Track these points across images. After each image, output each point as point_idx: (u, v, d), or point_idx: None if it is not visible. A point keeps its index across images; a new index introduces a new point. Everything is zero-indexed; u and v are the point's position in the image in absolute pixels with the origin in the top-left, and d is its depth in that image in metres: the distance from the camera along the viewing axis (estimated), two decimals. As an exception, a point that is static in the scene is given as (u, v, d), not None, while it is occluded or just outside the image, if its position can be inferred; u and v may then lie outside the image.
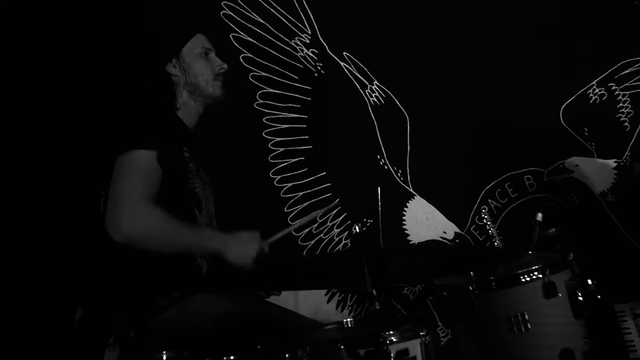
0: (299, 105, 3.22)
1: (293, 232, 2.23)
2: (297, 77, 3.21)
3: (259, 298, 2.16)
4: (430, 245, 2.62)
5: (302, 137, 3.21)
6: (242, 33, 3.15)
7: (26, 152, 2.69)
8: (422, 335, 1.99)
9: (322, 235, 3.21)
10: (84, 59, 2.80)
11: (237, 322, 1.87)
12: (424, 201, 3.29)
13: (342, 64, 3.26)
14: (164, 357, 1.64)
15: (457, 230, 3.28)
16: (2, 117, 2.66)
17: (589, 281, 2.16)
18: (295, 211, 3.16)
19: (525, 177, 3.33)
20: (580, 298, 2.14)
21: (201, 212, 2.04)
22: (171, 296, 1.88)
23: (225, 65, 2.22)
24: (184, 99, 2.15)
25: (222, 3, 3.13)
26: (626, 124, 3.29)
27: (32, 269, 2.58)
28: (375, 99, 3.29)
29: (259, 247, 2.00)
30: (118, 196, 1.84)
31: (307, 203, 3.17)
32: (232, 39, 3.14)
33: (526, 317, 2.12)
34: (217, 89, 2.18)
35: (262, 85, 3.18)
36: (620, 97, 3.29)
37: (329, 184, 3.20)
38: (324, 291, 3.17)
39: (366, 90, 3.29)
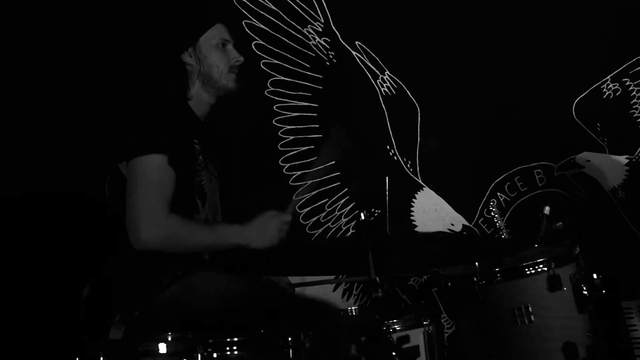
0: (309, 94, 3.22)
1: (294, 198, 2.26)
2: (308, 66, 3.22)
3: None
4: (435, 234, 2.62)
5: (312, 125, 3.22)
6: (254, 20, 3.16)
7: (33, 138, 2.73)
8: (426, 324, 2.00)
9: (329, 224, 3.22)
10: (103, 42, 2.83)
11: (241, 305, 1.89)
12: (432, 193, 3.29)
13: (354, 53, 3.26)
14: (169, 338, 1.67)
15: (465, 222, 3.28)
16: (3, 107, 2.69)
17: (594, 276, 2.15)
18: (304, 199, 3.17)
19: (535, 171, 3.31)
20: (585, 292, 2.14)
21: (204, 203, 2.05)
22: (174, 273, 1.91)
23: (242, 58, 2.21)
24: (197, 89, 2.15)
25: (236, -11, 3.14)
26: (639, 120, 3.26)
27: (39, 248, 2.62)
28: (386, 89, 3.29)
29: (279, 223, 2.02)
30: (136, 207, 1.86)
31: (316, 192, 3.18)
32: (244, 25, 3.14)
33: (530, 309, 2.12)
34: (231, 81, 2.17)
35: (273, 73, 3.19)
36: (634, 93, 3.26)
37: (338, 173, 3.21)
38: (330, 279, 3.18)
39: (377, 80, 3.29)
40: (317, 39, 3.23)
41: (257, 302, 1.93)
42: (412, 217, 3.28)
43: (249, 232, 1.96)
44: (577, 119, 3.26)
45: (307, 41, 3.22)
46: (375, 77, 3.29)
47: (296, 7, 3.20)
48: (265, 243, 1.96)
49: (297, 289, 2.39)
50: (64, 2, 2.86)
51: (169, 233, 1.87)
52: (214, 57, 2.15)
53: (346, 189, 3.23)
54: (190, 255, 1.96)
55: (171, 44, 2.17)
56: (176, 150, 1.93)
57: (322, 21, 3.24)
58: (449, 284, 2.35)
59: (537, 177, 3.31)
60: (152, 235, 1.84)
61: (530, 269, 2.16)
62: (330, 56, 3.25)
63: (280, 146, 3.19)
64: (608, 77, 3.26)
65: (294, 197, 2.28)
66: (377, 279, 1.67)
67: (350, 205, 3.22)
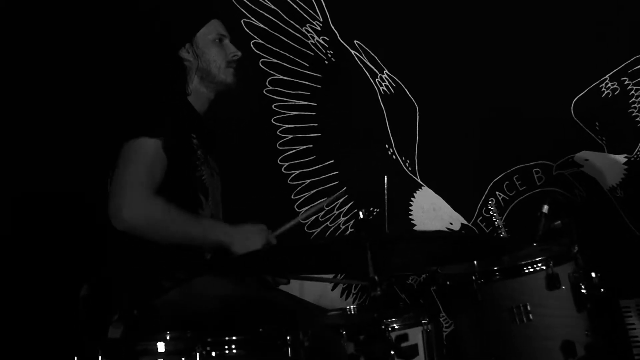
0: (308, 93, 3.22)
1: (301, 221, 2.27)
2: (307, 65, 3.22)
3: (267, 286, 2.17)
4: (433, 233, 2.63)
5: (311, 124, 3.22)
6: (253, 19, 3.16)
7: (35, 135, 2.73)
8: (424, 323, 2.01)
9: (328, 223, 3.22)
10: (101, 41, 2.83)
11: (240, 305, 1.89)
12: (431, 192, 3.29)
13: (352, 52, 3.26)
14: (167, 337, 1.67)
15: (464, 221, 3.29)
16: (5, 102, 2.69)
17: (593, 274, 2.16)
18: (303, 198, 3.18)
19: (534, 170, 3.31)
20: (584, 291, 2.14)
21: (207, 199, 2.05)
22: (175, 277, 1.90)
23: (239, 53, 2.21)
24: (195, 85, 2.15)
25: (234, -12, 3.14)
26: (638, 119, 3.26)
27: (38, 247, 2.62)
28: (385, 88, 3.29)
29: (265, 240, 2.01)
30: (121, 184, 1.85)
31: (315, 190, 3.18)
32: (243, 24, 3.14)
33: (528, 308, 2.12)
34: (229, 76, 2.17)
35: (272, 72, 3.19)
36: (633, 92, 3.26)
37: (337, 172, 3.21)
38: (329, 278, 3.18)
39: (376, 79, 3.29)
40: (316, 37, 3.23)
41: (257, 302, 1.92)
42: (410, 216, 3.28)
43: (233, 233, 1.95)
44: (575, 118, 3.26)
45: (305, 40, 3.22)
46: (374, 76, 3.29)
47: (295, 6, 3.20)
48: (245, 249, 1.94)
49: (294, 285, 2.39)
50: (63, 2, 2.86)
51: (152, 214, 1.84)
52: (212, 52, 2.15)
53: (345, 188, 3.23)
54: (191, 257, 1.95)
55: (168, 41, 2.17)
56: (171, 140, 1.93)
57: (321, 20, 3.24)
58: (448, 282, 2.35)
59: (535, 176, 3.32)
60: (135, 214, 1.82)
61: (529, 267, 2.17)
62: (329, 55, 3.25)
63: (279, 145, 3.19)
64: (607, 76, 3.26)
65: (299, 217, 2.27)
66: (376, 277, 1.67)
67: (349, 204, 3.22)
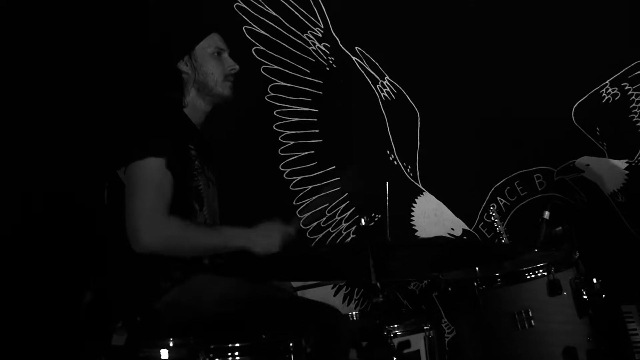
0: (309, 99, 3.23)
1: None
2: (308, 71, 3.23)
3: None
4: (435, 239, 2.63)
5: (313, 130, 3.23)
6: (254, 26, 3.17)
7: (35, 143, 2.74)
8: (426, 329, 2.01)
9: (330, 229, 3.23)
10: (101, 51, 2.85)
11: (242, 306, 1.89)
12: (432, 197, 3.30)
13: (354, 58, 3.27)
14: (170, 344, 1.67)
15: (465, 227, 3.29)
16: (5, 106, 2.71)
17: (594, 280, 2.16)
18: (304, 204, 3.18)
19: (535, 175, 3.32)
20: (585, 297, 2.15)
21: (202, 208, 2.06)
22: (173, 277, 1.91)
23: (237, 67, 2.23)
24: (192, 97, 2.16)
25: (235, -5, 3.16)
26: (638, 124, 3.27)
27: (41, 253, 2.63)
28: (386, 94, 3.30)
29: (283, 234, 2.03)
30: (134, 211, 1.87)
31: (316, 196, 3.18)
32: (244, 31, 3.16)
33: (530, 314, 2.13)
34: (226, 89, 2.19)
35: (273, 78, 3.20)
36: (633, 97, 3.27)
37: (338, 178, 3.22)
38: (331, 285, 3.19)
39: (377, 85, 3.30)
40: (317, 44, 3.24)
41: (258, 305, 1.93)
42: (412, 222, 3.29)
43: (252, 235, 1.97)
44: (576, 124, 3.27)
45: (307, 47, 3.23)
46: (375, 82, 3.30)
47: (296, 13, 3.22)
48: (267, 249, 1.96)
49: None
50: (65, 9, 2.87)
51: (170, 235, 1.87)
52: (210, 65, 2.17)
53: (346, 194, 3.24)
54: (189, 260, 1.96)
55: (167, 53, 2.18)
56: (172, 154, 1.94)
57: (322, 27, 3.25)
58: (450, 288, 2.36)
59: (536, 181, 3.32)
60: (153, 237, 1.85)
61: (530, 273, 2.18)
62: (330, 61, 3.26)
63: (281, 151, 3.20)
64: (607, 82, 3.27)
65: (297, 215, 2.29)
66: (378, 284, 1.67)
67: (351, 210, 3.23)
